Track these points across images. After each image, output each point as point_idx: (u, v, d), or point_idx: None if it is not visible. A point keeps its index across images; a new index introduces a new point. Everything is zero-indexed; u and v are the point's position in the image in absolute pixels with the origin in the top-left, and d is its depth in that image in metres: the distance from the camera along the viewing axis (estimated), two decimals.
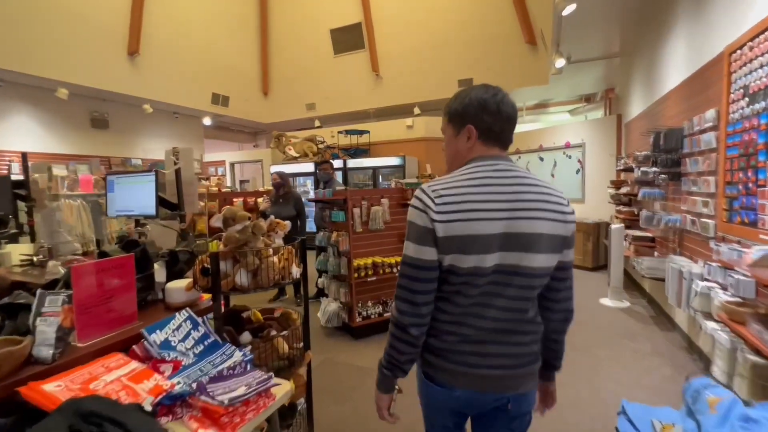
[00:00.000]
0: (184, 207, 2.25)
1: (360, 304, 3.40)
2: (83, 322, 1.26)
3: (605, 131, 5.90)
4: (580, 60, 6.12)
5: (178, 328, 1.34)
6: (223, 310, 1.50)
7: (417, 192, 0.93)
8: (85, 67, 6.29)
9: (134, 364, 1.17)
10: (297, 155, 8.27)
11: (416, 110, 8.12)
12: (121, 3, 6.59)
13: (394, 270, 3.43)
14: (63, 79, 6.09)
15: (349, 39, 8.68)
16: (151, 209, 2.13)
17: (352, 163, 7.69)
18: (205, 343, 1.36)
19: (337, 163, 7.72)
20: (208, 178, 7.82)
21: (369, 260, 3.37)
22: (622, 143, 5.57)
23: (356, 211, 3.39)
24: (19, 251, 2.40)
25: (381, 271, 3.38)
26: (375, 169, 7.46)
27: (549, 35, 5.38)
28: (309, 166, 7.79)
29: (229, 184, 9.53)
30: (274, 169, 8.37)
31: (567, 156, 6.45)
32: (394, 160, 7.32)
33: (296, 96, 9.61)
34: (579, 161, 6.25)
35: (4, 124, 6.16)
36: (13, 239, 2.87)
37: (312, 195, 5.95)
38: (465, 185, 0.90)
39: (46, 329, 1.16)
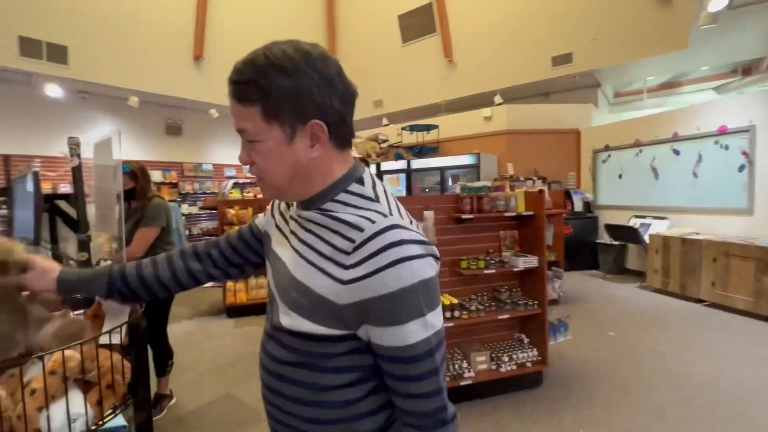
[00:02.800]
0: (88, 227, 1.49)
1: None
2: None
3: None
4: (743, 3, 4.15)
5: None
6: None
7: (401, 233, 0.56)
8: (154, 74, 6.40)
9: None
10: (359, 156, 7.55)
11: (497, 99, 6.71)
12: (186, 8, 6.61)
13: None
14: (135, 87, 6.26)
15: (418, 23, 7.67)
16: (29, 230, 1.43)
17: (417, 163, 6.64)
18: None
19: (400, 164, 6.75)
20: None
21: None
22: None
23: None
24: None
25: None
26: (443, 170, 6.30)
27: None
28: (373, 169, 6.95)
29: None
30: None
31: (721, 146, 4.46)
32: (466, 159, 6.07)
33: (363, 93, 8.40)
34: (744, 153, 4.24)
35: (90, 134, 6.58)
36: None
37: None
38: (402, 207, 0.65)
39: None
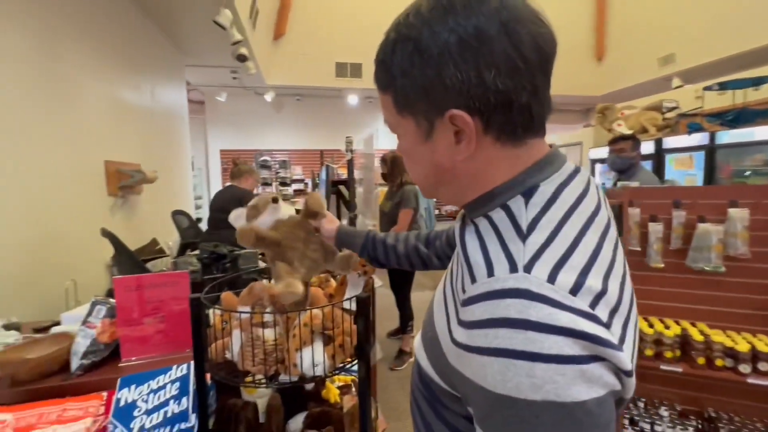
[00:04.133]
0: (356, 207, 1.88)
1: (639, 404, 1.81)
2: (125, 338, 1.15)
3: None
4: None
5: (157, 390, 0.97)
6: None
7: (528, 308, 0.33)
8: None
9: (82, 425, 0.90)
10: (629, 132, 6.08)
11: None
12: None
13: (744, 367, 1.55)
14: None
15: None
16: None
17: (728, 136, 4.69)
18: (177, 427, 0.92)
19: (698, 138, 4.95)
20: None
21: (673, 327, 1.70)
22: None
23: (655, 228, 1.78)
24: None
25: (702, 359, 1.62)
26: None
27: None
28: (646, 146, 5.48)
29: None
30: (593, 154, 6.59)
31: None
32: None
33: (643, 51, 7.08)
34: None
35: (370, 131, 8.42)
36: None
37: None
38: (596, 242, 0.38)
39: (80, 341, 1.10)
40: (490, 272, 0.37)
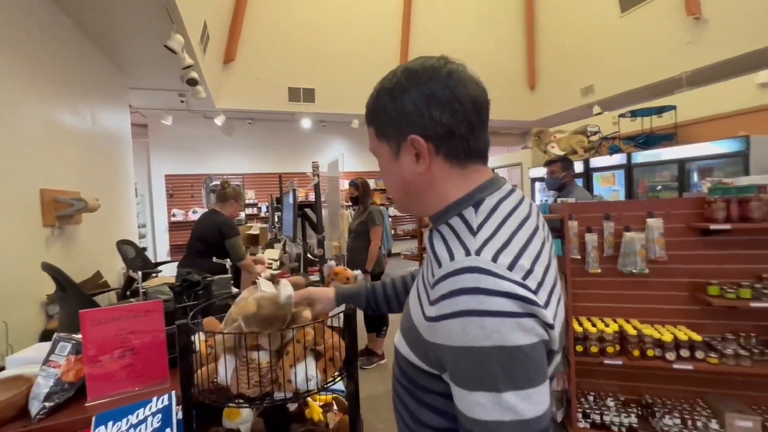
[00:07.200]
0: (323, 229, 1.93)
1: (589, 399, 2.01)
2: (92, 376, 1.08)
3: None
4: None
5: (138, 425, 0.94)
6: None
7: (479, 279, 0.45)
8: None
9: None
10: (561, 153, 6.75)
11: None
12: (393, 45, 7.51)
13: (670, 355, 1.80)
14: (358, 112, 7.64)
15: None
16: (290, 229, 1.95)
17: (642, 156, 5.39)
18: None
19: (618, 159, 5.63)
20: None
21: (612, 325, 1.93)
22: None
23: (590, 238, 2.03)
24: (269, 255, 2.87)
25: (636, 351, 1.85)
26: (683, 163, 4.88)
27: None
28: (578, 166, 6.11)
29: None
30: (532, 173, 7.21)
31: None
32: (724, 146, 4.50)
33: (568, 83, 7.96)
34: None
35: (329, 153, 8.48)
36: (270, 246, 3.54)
37: None
38: (527, 238, 0.51)
39: (41, 382, 1.03)
40: (451, 257, 0.50)
